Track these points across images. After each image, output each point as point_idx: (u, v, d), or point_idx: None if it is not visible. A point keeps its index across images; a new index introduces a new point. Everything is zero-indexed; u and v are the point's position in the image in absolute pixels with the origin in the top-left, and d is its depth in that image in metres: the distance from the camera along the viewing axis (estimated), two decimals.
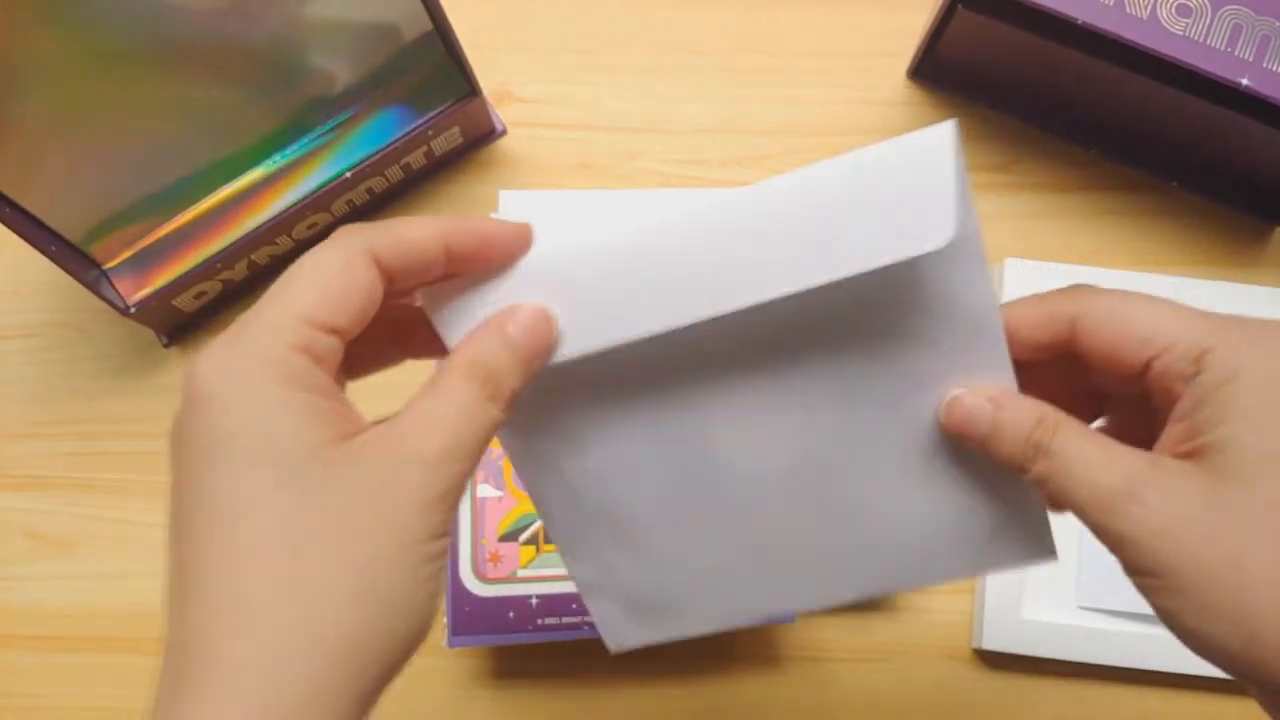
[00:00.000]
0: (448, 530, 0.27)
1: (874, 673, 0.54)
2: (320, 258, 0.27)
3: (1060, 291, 0.31)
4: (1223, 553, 0.27)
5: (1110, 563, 0.29)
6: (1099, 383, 0.32)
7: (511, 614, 0.50)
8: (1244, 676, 0.27)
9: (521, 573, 0.50)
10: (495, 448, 0.51)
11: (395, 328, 0.31)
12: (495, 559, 0.50)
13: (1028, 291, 0.52)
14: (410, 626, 0.26)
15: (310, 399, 0.26)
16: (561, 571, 0.50)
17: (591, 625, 0.48)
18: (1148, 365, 0.29)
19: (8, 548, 0.56)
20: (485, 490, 0.51)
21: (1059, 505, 0.30)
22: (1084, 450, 0.29)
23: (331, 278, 0.27)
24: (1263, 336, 0.28)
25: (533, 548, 0.51)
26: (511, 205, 0.55)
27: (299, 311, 0.27)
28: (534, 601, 0.50)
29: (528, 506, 0.51)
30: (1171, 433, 0.29)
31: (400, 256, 0.28)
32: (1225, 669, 0.28)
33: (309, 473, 0.25)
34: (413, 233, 0.28)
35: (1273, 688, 0.27)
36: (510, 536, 0.51)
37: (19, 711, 0.54)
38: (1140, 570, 0.28)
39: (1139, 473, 0.28)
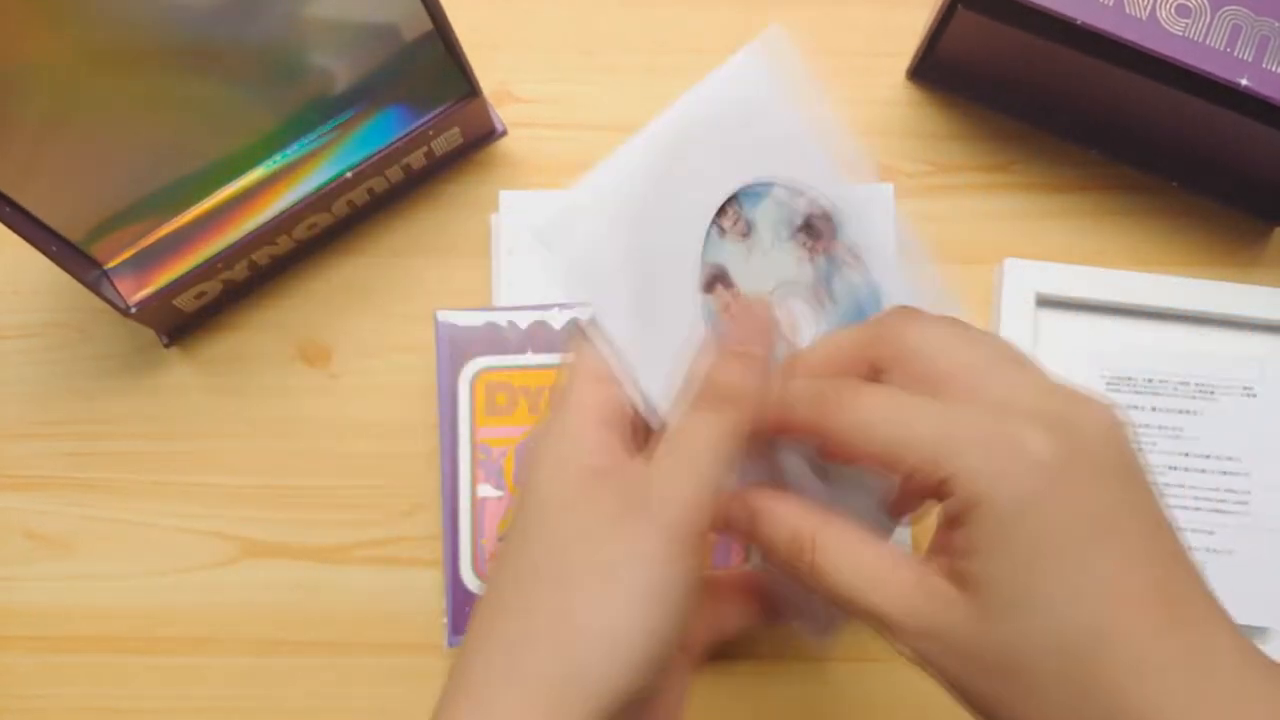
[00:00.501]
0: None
1: (873, 673, 0.54)
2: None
3: (865, 339, 0.32)
4: (995, 688, 0.28)
5: None
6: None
7: None
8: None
9: None
10: (495, 446, 0.51)
11: None
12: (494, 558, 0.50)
13: (1029, 292, 0.53)
14: (628, 660, 0.28)
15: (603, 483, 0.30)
16: None
17: None
18: (908, 475, 0.29)
19: (7, 548, 0.55)
20: (485, 490, 0.51)
21: None
22: (850, 570, 0.30)
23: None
24: (996, 452, 0.27)
25: None
26: (512, 206, 0.56)
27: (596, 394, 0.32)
28: None
29: None
30: (937, 543, 0.30)
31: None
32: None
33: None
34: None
35: None
36: None
37: (19, 712, 0.54)
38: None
39: (907, 604, 0.29)
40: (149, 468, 0.56)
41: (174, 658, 0.54)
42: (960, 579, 0.28)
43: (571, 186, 0.36)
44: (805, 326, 0.37)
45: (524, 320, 0.52)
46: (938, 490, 0.28)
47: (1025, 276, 0.56)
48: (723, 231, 0.37)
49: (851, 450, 0.30)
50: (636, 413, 0.32)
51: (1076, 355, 0.55)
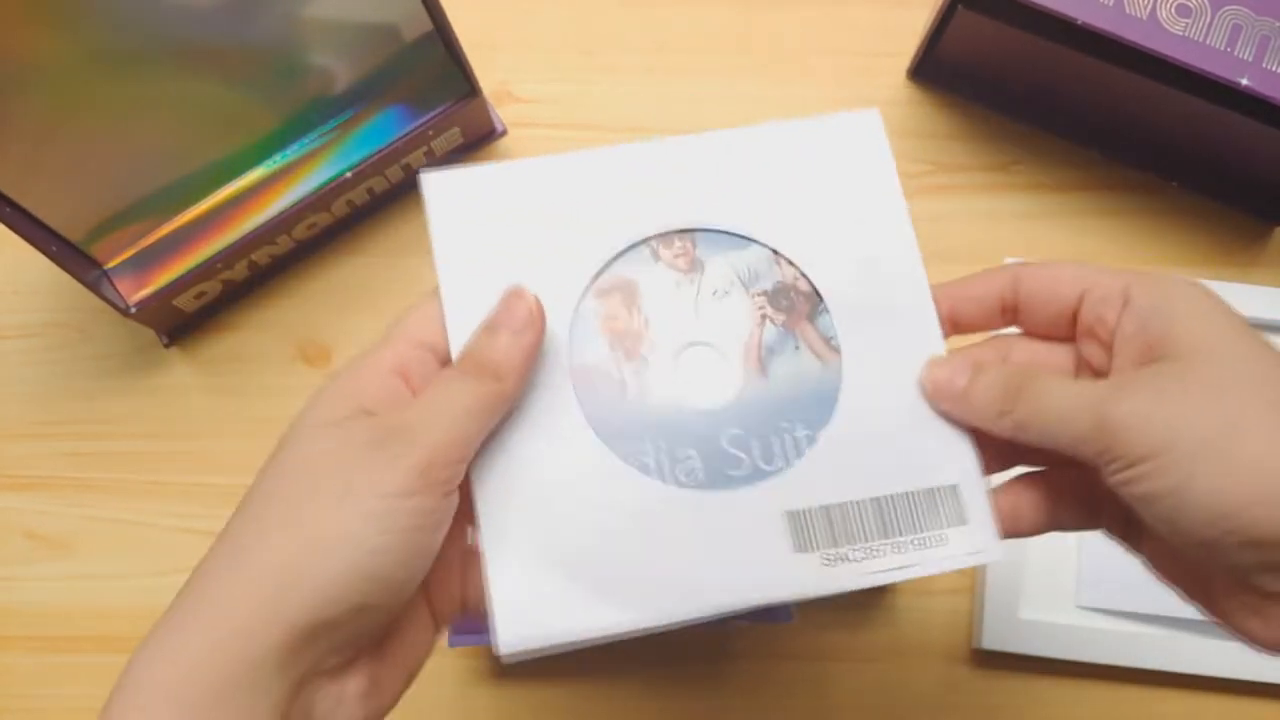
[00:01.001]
0: (426, 494, 0.30)
1: (872, 673, 0.54)
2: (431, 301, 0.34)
3: (997, 268, 0.36)
4: (1220, 419, 0.29)
5: (1109, 562, 0.30)
6: (1036, 332, 0.36)
7: None
8: (1242, 538, 0.28)
9: None
10: None
11: None
12: None
13: None
14: (348, 568, 0.29)
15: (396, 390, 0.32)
16: None
17: None
18: (1080, 300, 0.34)
19: (7, 548, 0.56)
20: None
21: (1037, 443, 0.32)
22: (1060, 381, 0.32)
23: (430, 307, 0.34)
24: (1165, 275, 0.33)
25: None
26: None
27: (407, 335, 0.33)
28: None
29: None
30: (1126, 354, 0.32)
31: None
32: (1220, 539, 0.29)
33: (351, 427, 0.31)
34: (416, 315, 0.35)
35: (1270, 542, 0.28)
36: None
37: (19, 711, 0.54)
38: (1138, 456, 0.29)
39: (1118, 380, 0.31)
40: (149, 468, 0.56)
41: None
42: (1158, 358, 0.31)
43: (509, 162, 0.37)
44: (712, 379, 0.35)
45: None
46: (1122, 295, 0.33)
47: None
48: (656, 255, 0.36)
49: (1045, 284, 0.35)
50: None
51: None
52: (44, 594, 0.55)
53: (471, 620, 0.49)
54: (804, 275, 0.36)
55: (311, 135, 0.54)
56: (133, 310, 0.52)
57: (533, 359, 0.33)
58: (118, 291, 0.52)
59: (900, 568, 0.33)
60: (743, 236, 0.36)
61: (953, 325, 0.37)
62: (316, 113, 0.53)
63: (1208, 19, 0.49)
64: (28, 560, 0.55)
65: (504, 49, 0.60)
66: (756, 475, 0.34)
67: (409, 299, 0.57)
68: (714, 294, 0.36)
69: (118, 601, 0.55)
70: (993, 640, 0.52)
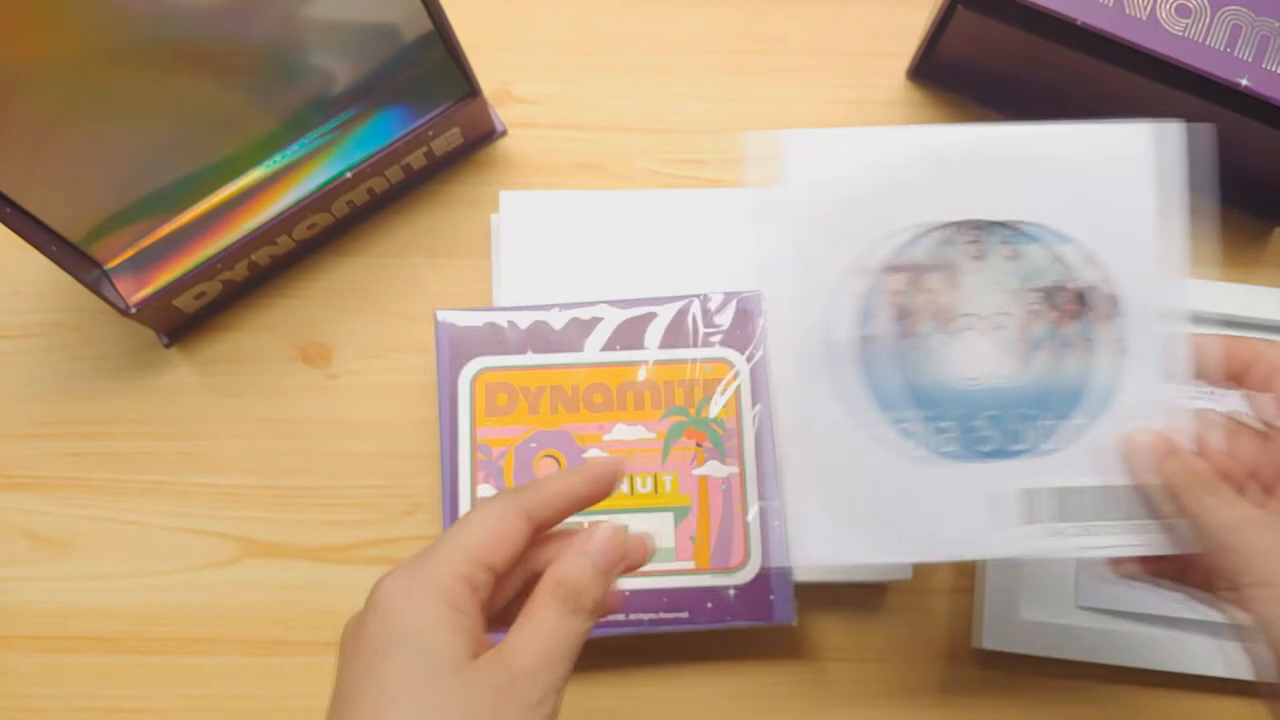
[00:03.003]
0: None
1: (873, 672, 0.54)
2: (485, 511, 0.35)
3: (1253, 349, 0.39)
4: None
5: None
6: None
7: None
8: None
9: None
10: (495, 446, 0.51)
11: (529, 582, 0.36)
12: None
13: None
14: None
15: (460, 618, 0.33)
16: None
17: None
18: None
19: (7, 548, 0.56)
20: (485, 490, 0.51)
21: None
22: (1216, 500, 0.37)
23: (493, 527, 0.34)
24: None
25: None
26: (511, 206, 0.56)
27: (466, 549, 0.34)
28: None
29: None
30: None
31: (542, 510, 0.36)
32: None
33: (447, 680, 0.32)
34: (551, 490, 0.36)
35: None
36: None
37: (19, 711, 0.54)
38: (1250, 584, 0.35)
39: (1266, 514, 0.36)
40: (149, 468, 0.56)
41: (174, 657, 0.54)
42: None
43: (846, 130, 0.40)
44: (978, 363, 0.40)
45: (524, 320, 0.52)
46: None
47: None
48: (948, 242, 0.40)
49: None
50: (490, 580, 0.35)
51: None
52: (44, 594, 0.55)
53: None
54: (1106, 276, 0.40)
55: (311, 136, 0.54)
56: (133, 310, 0.52)
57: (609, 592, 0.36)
58: (118, 292, 0.52)
59: (1104, 547, 0.39)
60: (1029, 235, 0.40)
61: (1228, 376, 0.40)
62: (316, 113, 0.53)
63: (1207, 19, 0.49)
64: (28, 560, 0.55)
65: (504, 49, 0.60)
66: (1002, 453, 0.40)
67: (409, 299, 0.57)
68: (994, 284, 0.40)
69: (118, 601, 0.55)
70: (994, 640, 0.52)
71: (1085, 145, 0.39)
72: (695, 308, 0.53)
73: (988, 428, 0.40)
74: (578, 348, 0.52)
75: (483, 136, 0.59)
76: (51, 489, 0.56)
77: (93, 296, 0.51)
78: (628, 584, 0.50)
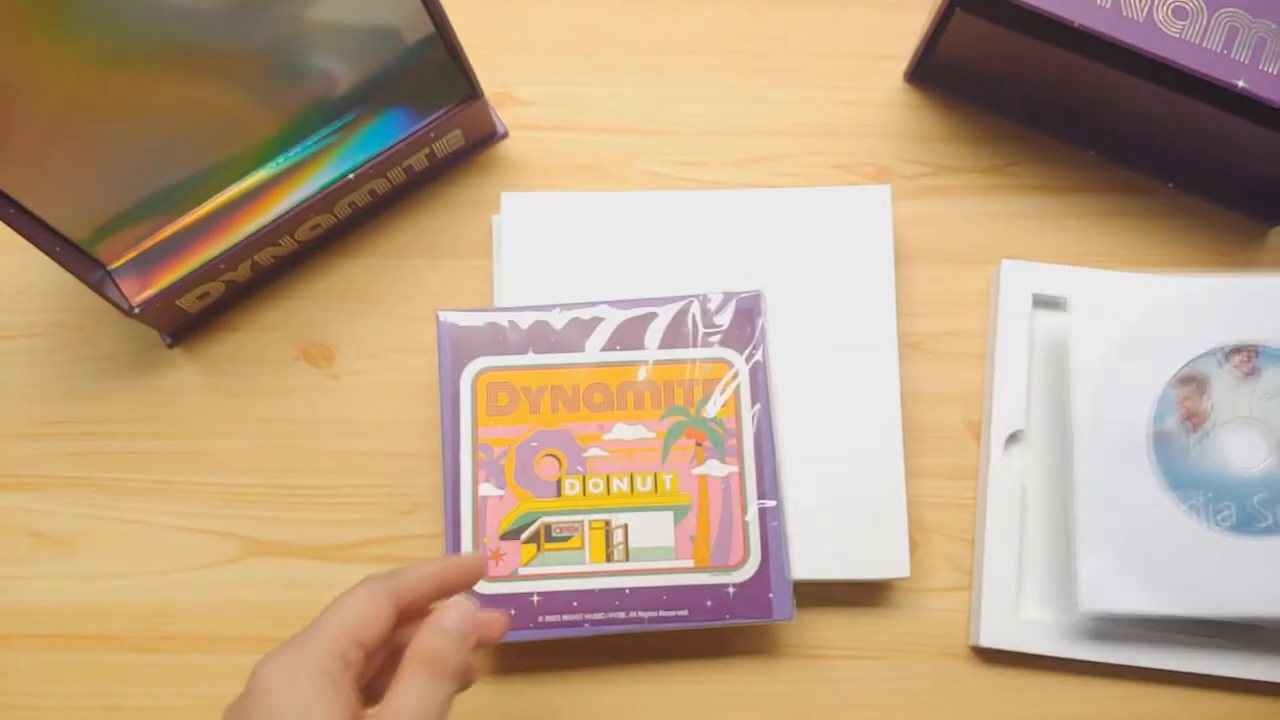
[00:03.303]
0: None
1: (872, 669, 0.54)
2: (356, 593, 0.38)
3: None
4: None
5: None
6: None
7: (513, 611, 0.50)
8: None
9: (523, 571, 0.51)
10: (496, 446, 0.51)
11: (394, 656, 0.39)
12: (496, 557, 0.51)
13: (1024, 294, 0.54)
14: None
15: (337, 691, 0.36)
16: (562, 569, 0.51)
17: (592, 623, 0.48)
18: None
19: (10, 547, 0.56)
20: (487, 489, 0.51)
21: None
22: None
23: (364, 607, 0.38)
24: None
25: (534, 546, 0.51)
26: (512, 207, 0.56)
27: (341, 627, 0.37)
28: (535, 599, 0.50)
29: (529, 505, 0.51)
30: None
31: (408, 593, 0.39)
32: None
33: None
34: (415, 575, 0.40)
35: None
36: (511, 535, 0.51)
37: (22, 710, 0.54)
38: None
39: None
40: (152, 467, 0.56)
41: (177, 656, 0.54)
42: None
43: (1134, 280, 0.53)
44: (1250, 456, 0.51)
45: (525, 320, 0.53)
46: None
47: (1021, 278, 0.56)
48: (1224, 360, 0.51)
49: None
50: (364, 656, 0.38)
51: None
52: (46, 593, 0.55)
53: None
54: None
55: (314, 138, 0.54)
56: (136, 311, 0.52)
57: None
58: (121, 292, 0.52)
59: None
60: None
61: None
62: (319, 115, 0.54)
63: (1204, 21, 0.49)
64: (30, 559, 0.56)
65: (505, 51, 0.61)
66: (1275, 530, 0.50)
67: (411, 300, 0.58)
68: (1265, 394, 0.51)
69: (120, 601, 0.55)
70: (991, 638, 0.52)
71: None
72: (695, 308, 0.53)
73: (1263, 508, 0.50)
74: (578, 348, 0.53)
75: (484, 138, 0.59)
76: (54, 488, 0.56)
77: (96, 297, 0.52)
78: (629, 582, 0.50)
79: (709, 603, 0.50)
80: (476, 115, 0.56)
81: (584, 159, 0.60)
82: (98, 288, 0.51)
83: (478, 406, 0.52)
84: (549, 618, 0.50)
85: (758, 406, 0.52)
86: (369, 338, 0.58)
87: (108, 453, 0.57)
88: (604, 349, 0.53)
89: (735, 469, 0.51)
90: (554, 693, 0.54)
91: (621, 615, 0.50)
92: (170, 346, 0.58)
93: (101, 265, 0.52)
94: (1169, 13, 0.49)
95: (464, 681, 0.39)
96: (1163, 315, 0.52)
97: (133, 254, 0.53)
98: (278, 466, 0.56)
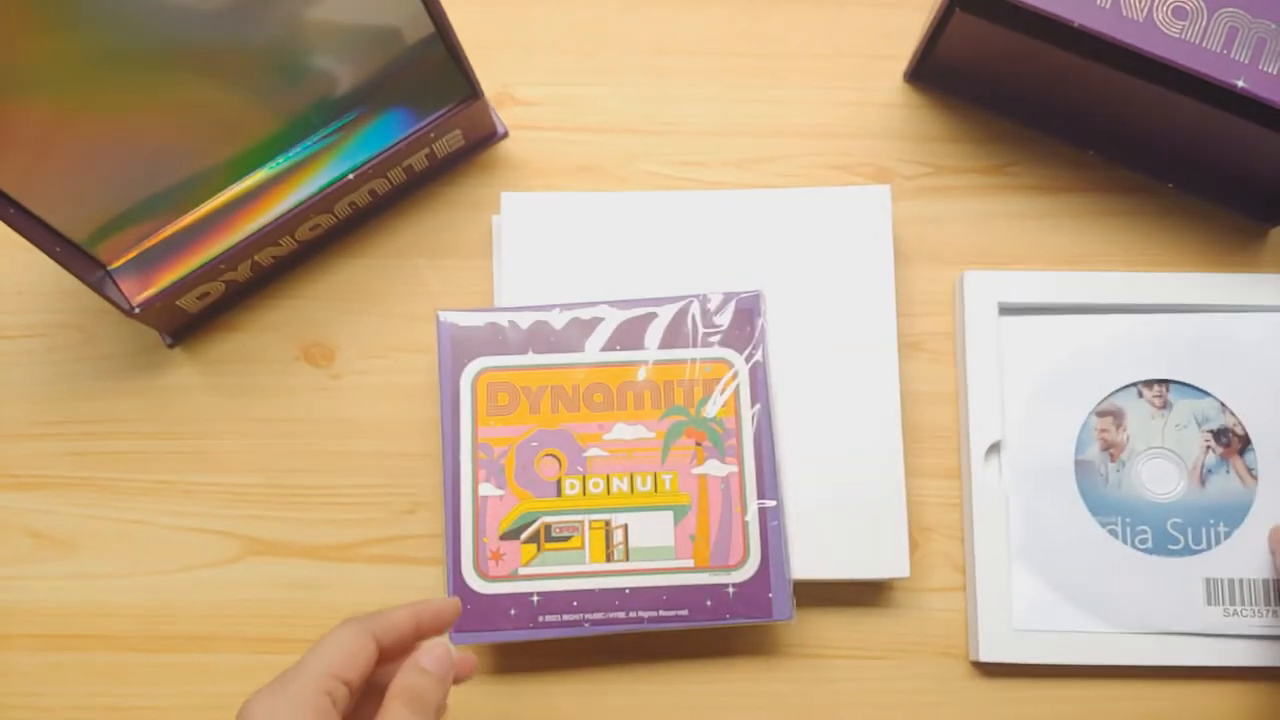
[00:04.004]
0: None
1: (871, 669, 0.54)
2: (340, 633, 0.40)
3: None
4: None
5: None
6: None
7: (513, 611, 0.50)
8: None
9: (523, 570, 0.51)
10: (497, 446, 0.51)
11: (372, 694, 0.41)
12: (496, 557, 0.51)
13: (989, 303, 0.55)
14: None
15: None
16: (562, 569, 0.51)
17: (592, 622, 0.48)
18: None
19: (11, 547, 0.56)
20: (487, 489, 0.51)
21: None
22: None
23: (348, 646, 0.39)
24: None
25: (534, 546, 0.51)
26: (512, 207, 0.56)
27: (326, 666, 0.38)
28: (535, 599, 0.50)
29: (529, 505, 0.51)
30: None
31: (389, 633, 0.41)
32: None
33: None
34: (395, 617, 0.42)
35: None
36: (511, 535, 0.51)
37: (23, 709, 0.54)
38: None
39: None
40: (152, 467, 0.56)
41: (177, 656, 0.55)
42: None
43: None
44: (1163, 483, 0.54)
45: (525, 320, 0.53)
46: None
47: (985, 287, 0.56)
48: (1141, 393, 0.55)
49: None
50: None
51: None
52: (46, 593, 0.55)
53: (472, 616, 0.49)
54: (1240, 423, 0.54)
55: (314, 138, 0.54)
56: (136, 311, 0.52)
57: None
58: (121, 292, 0.53)
59: (1269, 626, 0.52)
60: (1202, 390, 0.55)
61: None
62: (319, 115, 0.54)
63: (1204, 21, 0.49)
64: (31, 559, 0.56)
65: (505, 51, 0.61)
66: (1187, 551, 0.53)
67: (411, 300, 0.58)
68: (1176, 426, 0.55)
69: (120, 600, 0.55)
70: (989, 652, 0.52)
71: (1250, 335, 0.55)
72: (695, 308, 0.53)
73: (1177, 531, 0.54)
74: (578, 348, 0.53)
75: (484, 138, 0.59)
76: (55, 488, 0.56)
77: (96, 297, 0.52)
78: (629, 582, 0.50)
79: (709, 602, 0.50)
80: (476, 115, 0.56)
81: (584, 159, 0.60)
82: (98, 288, 0.51)
83: (478, 406, 0.52)
84: (549, 618, 0.50)
85: (757, 406, 0.52)
86: (369, 338, 0.58)
87: (108, 453, 0.57)
88: (604, 349, 0.53)
89: (735, 469, 0.51)
90: (551, 692, 0.54)
91: (621, 615, 0.50)
92: (170, 346, 0.58)
93: (102, 265, 0.53)
94: (1169, 13, 0.49)
95: (441, 716, 0.41)
96: (1086, 352, 0.55)
97: (133, 254, 0.53)
98: (278, 466, 0.56)
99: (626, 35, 0.61)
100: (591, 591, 0.50)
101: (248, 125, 0.52)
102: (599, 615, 0.50)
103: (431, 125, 0.54)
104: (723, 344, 0.53)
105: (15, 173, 0.46)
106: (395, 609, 0.42)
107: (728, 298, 0.53)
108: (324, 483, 0.56)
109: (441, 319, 0.53)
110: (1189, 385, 0.55)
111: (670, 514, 0.51)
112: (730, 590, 0.50)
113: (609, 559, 0.51)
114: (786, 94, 0.60)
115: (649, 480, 0.52)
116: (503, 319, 0.53)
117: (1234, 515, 0.54)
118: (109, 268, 0.53)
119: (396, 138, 0.54)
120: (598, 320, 0.53)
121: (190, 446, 0.57)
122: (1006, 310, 0.56)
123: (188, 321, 0.57)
